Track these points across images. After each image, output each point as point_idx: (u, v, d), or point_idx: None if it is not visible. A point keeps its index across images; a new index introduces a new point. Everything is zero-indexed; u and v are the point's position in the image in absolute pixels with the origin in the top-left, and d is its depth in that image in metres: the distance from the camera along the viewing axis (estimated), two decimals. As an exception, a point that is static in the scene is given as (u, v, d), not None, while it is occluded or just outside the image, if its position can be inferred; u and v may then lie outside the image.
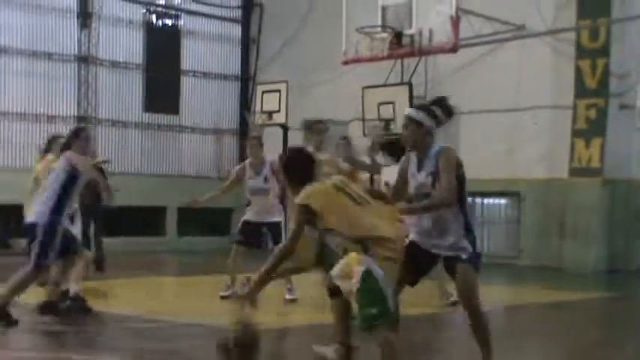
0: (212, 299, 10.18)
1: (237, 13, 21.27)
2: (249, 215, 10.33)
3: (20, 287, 7.86)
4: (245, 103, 21.02)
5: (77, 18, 18.44)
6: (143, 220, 18.97)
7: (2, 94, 17.47)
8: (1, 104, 17.51)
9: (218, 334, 7.97)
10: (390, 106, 17.24)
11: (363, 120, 17.72)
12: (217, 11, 20.82)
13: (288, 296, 10.04)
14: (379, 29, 15.63)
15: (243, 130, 21.03)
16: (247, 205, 10.57)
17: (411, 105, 17.13)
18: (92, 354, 6.85)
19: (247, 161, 10.40)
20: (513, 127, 16.57)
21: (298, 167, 5.88)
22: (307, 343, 7.61)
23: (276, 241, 10.01)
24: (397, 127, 17.23)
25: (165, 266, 16.28)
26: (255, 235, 10.22)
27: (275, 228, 10.21)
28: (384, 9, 15.63)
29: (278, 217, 10.33)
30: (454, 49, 14.88)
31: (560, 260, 15.52)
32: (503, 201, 17.51)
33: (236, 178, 10.45)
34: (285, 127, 18.66)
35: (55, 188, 7.99)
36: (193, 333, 8.11)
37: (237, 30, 21.25)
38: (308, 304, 10.47)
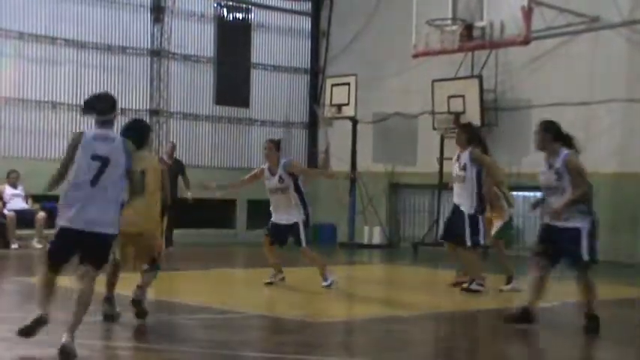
0: (282, 292, 10.29)
1: (307, 6, 21.34)
2: (273, 217, 10.67)
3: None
4: (315, 96, 21.10)
5: (150, 12, 18.74)
6: (213, 213, 19.21)
7: (79, 88, 17.86)
8: (78, 98, 17.90)
9: (288, 326, 8.08)
10: (460, 99, 17.16)
11: (433, 113, 17.67)
12: (287, 4, 20.93)
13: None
14: (450, 22, 15.55)
15: (313, 123, 21.14)
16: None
17: (482, 98, 17.03)
18: (165, 345, 6.99)
19: (266, 164, 10.68)
20: (586, 120, 16.29)
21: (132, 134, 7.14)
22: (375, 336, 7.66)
23: (297, 242, 10.49)
24: (467, 120, 17.14)
25: (236, 258, 16.47)
26: (279, 235, 10.64)
27: (294, 229, 10.49)
28: (454, 1, 15.55)
29: (296, 218, 10.50)
30: (526, 42, 14.72)
31: (632, 256, 15.24)
32: (575, 195, 17.22)
33: (254, 175, 10.90)
34: (354, 120, 18.71)
35: None
36: (264, 325, 8.23)
37: (307, 23, 21.33)
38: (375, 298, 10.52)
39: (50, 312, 6.30)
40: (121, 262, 7.75)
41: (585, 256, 7.91)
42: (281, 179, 10.40)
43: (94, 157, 6.27)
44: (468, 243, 10.15)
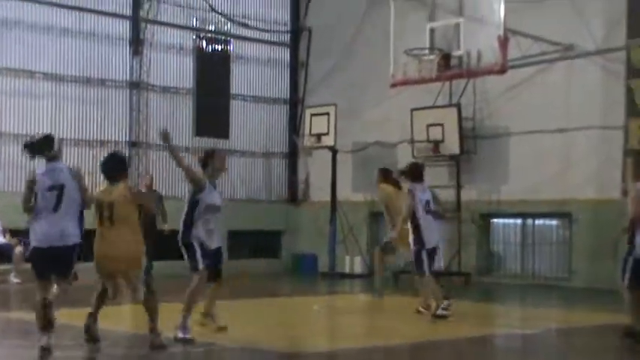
0: (265, 323, 10.24)
1: (286, 38, 21.45)
2: (211, 243, 8.83)
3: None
4: (294, 126, 21.15)
5: (129, 45, 18.76)
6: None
7: (58, 120, 17.82)
8: (57, 130, 17.82)
9: (271, 358, 8.04)
10: (439, 127, 17.26)
11: (412, 142, 17.75)
12: (266, 36, 21.02)
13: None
14: (427, 51, 15.66)
15: (293, 153, 21.16)
16: (189, 225, 8.69)
17: (460, 126, 17.13)
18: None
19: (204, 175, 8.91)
20: (563, 147, 16.43)
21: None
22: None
23: (219, 272, 9.12)
24: (446, 148, 17.26)
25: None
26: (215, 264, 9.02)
27: (220, 254, 9.17)
28: (432, 31, 15.67)
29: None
30: (502, 70, 14.84)
31: (613, 282, 15.17)
32: (554, 222, 17.34)
33: (195, 173, 8.84)
34: (333, 150, 18.76)
35: None
36: (247, 357, 8.18)
37: (285, 54, 21.42)
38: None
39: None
40: (113, 295, 8.18)
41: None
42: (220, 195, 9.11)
43: (50, 188, 7.51)
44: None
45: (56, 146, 7.68)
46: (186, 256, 8.75)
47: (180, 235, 8.73)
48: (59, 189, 7.48)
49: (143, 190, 15.97)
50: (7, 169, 17.02)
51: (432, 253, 10.51)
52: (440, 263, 10.92)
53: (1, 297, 13.70)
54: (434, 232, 10.59)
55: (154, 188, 16.37)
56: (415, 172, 10.95)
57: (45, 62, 17.68)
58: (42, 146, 7.62)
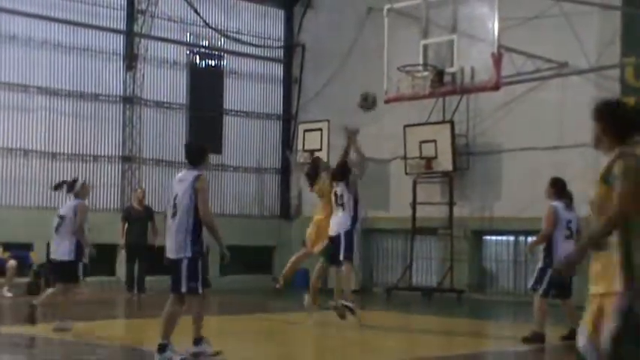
0: (256, 339, 10.19)
1: (280, 53, 21.49)
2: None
3: None
4: (287, 142, 21.16)
5: (123, 60, 18.75)
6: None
7: (52, 134, 17.79)
8: (50, 145, 17.80)
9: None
10: (432, 144, 17.29)
11: (405, 158, 17.77)
12: (259, 51, 21.05)
13: None
14: (421, 68, 15.67)
15: (286, 168, 21.16)
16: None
17: (453, 143, 17.16)
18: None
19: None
20: (557, 164, 16.43)
21: None
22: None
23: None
24: (439, 165, 17.27)
25: (209, 305, 16.29)
26: None
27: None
28: (425, 47, 15.69)
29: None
30: (496, 87, 14.86)
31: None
32: (547, 239, 17.31)
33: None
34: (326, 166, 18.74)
35: None
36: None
37: (279, 70, 21.46)
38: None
39: None
40: None
41: None
42: None
43: (58, 216, 10.43)
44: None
45: (77, 187, 10.50)
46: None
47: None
48: (60, 218, 10.36)
49: (135, 205, 15.96)
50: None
51: None
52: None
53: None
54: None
55: (145, 203, 16.33)
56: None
57: (39, 76, 17.67)
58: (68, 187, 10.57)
